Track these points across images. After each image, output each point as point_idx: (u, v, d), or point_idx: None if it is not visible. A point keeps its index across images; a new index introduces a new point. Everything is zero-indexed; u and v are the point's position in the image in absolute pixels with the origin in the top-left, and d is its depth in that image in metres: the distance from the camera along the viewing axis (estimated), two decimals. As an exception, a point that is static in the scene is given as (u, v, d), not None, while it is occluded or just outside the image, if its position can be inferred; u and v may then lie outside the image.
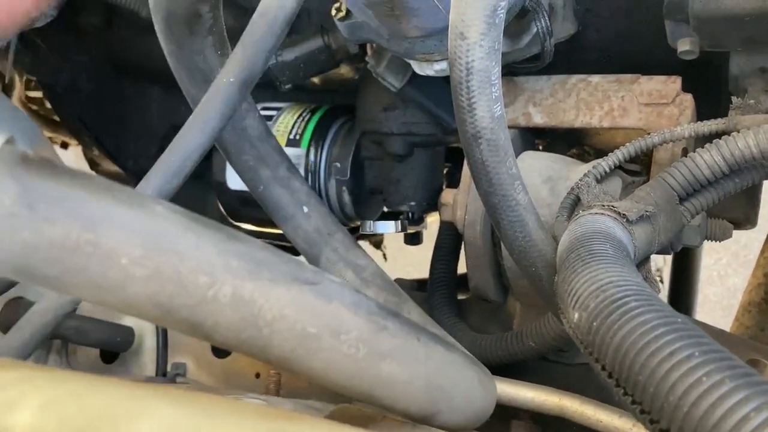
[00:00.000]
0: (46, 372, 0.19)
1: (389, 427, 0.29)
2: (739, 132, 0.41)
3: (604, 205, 0.41)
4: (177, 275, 0.20)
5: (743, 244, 1.85)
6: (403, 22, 0.45)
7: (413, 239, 0.76)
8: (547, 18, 0.46)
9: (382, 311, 0.25)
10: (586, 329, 0.29)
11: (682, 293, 0.98)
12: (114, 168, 0.89)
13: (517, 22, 0.49)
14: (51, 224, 0.18)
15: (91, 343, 0.59)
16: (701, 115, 0.52)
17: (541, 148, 0.65)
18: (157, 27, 0.47)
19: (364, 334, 0.24)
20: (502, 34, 0.35)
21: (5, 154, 0.19)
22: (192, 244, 0.21)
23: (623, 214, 0.40)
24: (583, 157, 0.66)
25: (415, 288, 0.71)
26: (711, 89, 0.56)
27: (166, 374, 0.58)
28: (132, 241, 0.19)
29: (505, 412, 0.54)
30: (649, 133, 0.48)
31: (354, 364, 0.24)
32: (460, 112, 0.37)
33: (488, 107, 0.37)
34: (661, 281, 1.80)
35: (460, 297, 0.65)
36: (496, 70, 0.36)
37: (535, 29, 0.48)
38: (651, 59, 0.55)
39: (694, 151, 0.43)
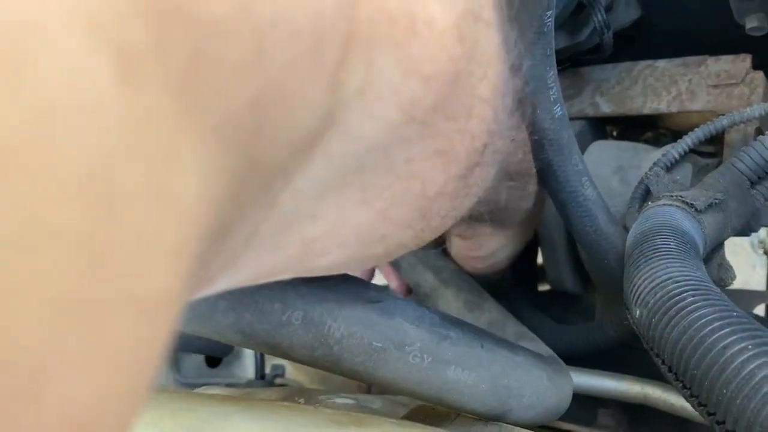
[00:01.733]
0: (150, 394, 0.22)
1: (462, 425, 0.31)
2: (809, 110, 0.41)
3: (672, 195, 0.41)
4: (255, 304, 0.23)
5: None
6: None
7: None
8: (603, 12, 0.47)
9: (444, 322, 0.27)
10: (647, 325, 0.30)
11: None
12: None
13: (575, 17, 0.49)
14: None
15: (195, 351, 0.64)
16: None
17: (615, 133, 0.65)
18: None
19: (428, 345, 0.26)
20: (553, 40, 0.36)
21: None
22: (266, 275, 0.23)
23: (691, 204, 0.40)
24: (659, 139, 0.65)
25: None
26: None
27: (264, 377, 0.62)
28: (213, 277, 0.22)
29: (591, 400, 0.54)
30: (720, 115, 0.48)
31: (420, 372, 0.26)
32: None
33: (547, 109, 0.38)
34: (766, 253, 1.73)
35: (542, 288, 0.66)
36: (552, 74, 0.37)
37: (593, 23, 0.48)
38: (720, 38, 0.54)
39: (764, 133, 0.43)
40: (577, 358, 0.54)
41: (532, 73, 0.35)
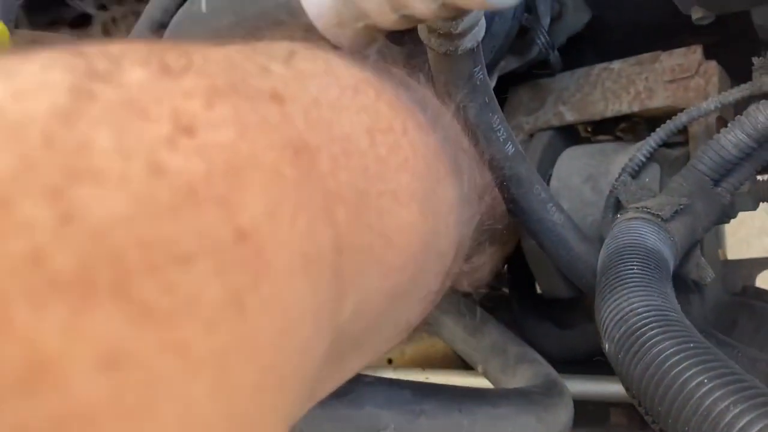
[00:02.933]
0: None
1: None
2: (759, 103, 0.41)
3: (638, 208, 0.42)
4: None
5: None
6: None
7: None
8: (545, 33, 0.47)
9: (417, 396, 0.28)
10: (615, 360, 0.31)
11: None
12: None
13: (520, 40, 0.50)
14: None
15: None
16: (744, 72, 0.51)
17: (590, 129, 0.65)
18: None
19: (402, 425, 0.27)
20: (489, 87, 0.37)
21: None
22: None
23: (657, 214, 0.41)
24: (635, 129, 0.66)
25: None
26: (746, 42, 0.54)
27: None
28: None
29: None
30: (680, 109, 0.48)
31: (399, 452, 0.27)
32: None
33: (499, 149, 0.39)
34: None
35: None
36: (496, 117, 0.38)
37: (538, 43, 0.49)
38: (675, 28, 0.55)
39: (726, 123, 0.44)
40: (581, 361, 0.55)
41: (476, 123, 0.36)
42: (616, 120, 0.64)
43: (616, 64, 0.54)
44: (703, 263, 0.43)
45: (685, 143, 0.53)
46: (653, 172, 0.48)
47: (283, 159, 0.17)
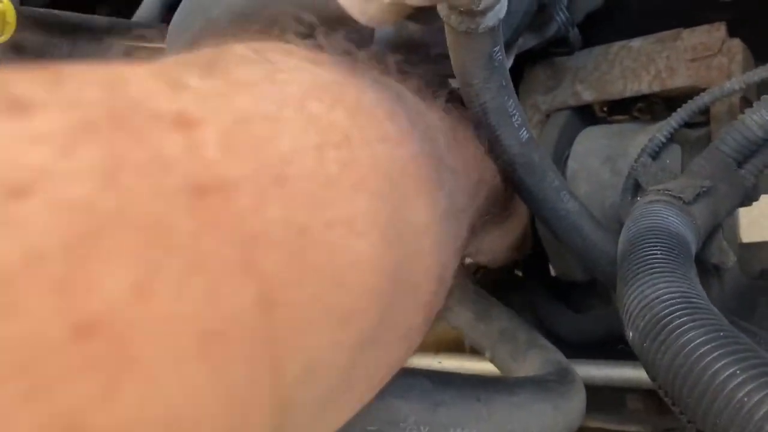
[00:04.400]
0: None
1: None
2: (786, 82, 0.40)
3: (659, 190, 0.41)
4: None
5: None
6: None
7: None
8: (565, 10, 0.46)
9: (437, 385, 0.27)
10: (640, 349, 0.30)
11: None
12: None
13: (539, 16, 0.48)
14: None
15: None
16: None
17: (606, 109, 0.64)
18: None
19: (422, 415, 0.26)
20: (506, 71, 0.35)
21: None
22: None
23: (678, 197, 0.40)
24: (653, 109, 0.64)
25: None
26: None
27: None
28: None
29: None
30: (704, 89, 0.47)
31: (421, 443, 0.26)
32: (490, 145, 0.38)
33: (513, 135, 0.38)
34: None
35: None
36: (511, 102, 0.37)
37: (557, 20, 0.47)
38: (697, 4, 0.53)
39: (750, 103, 0.42)
40: (596, 346, 0.55)
41: (492, 106, 0.35)
42: (634, 100, 0.63)
43: (636, 42, 0.53)
44: (725, 247, 0.42)
45: (707, 123, 0.52)
46: (674, 153, 0.47)
47: (174, 206, 0.14)
